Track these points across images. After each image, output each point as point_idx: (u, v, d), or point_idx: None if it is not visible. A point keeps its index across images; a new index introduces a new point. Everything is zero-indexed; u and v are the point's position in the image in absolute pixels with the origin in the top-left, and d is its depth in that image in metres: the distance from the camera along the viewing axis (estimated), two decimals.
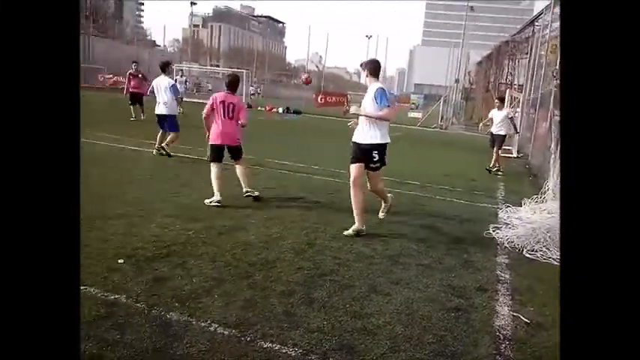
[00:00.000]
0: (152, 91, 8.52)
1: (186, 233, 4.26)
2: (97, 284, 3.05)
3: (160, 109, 8.41)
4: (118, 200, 5.18)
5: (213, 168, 5.64)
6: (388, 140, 4.74)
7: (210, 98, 5.73)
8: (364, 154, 4.67)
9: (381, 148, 4.69)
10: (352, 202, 4.72)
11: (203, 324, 2.71)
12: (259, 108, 29.24)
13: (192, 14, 67.79)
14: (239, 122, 5.71)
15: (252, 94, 36.17)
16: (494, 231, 5.17)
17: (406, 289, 3.48)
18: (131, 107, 14.03)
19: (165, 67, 8.69)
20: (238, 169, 5.87)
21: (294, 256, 3.94)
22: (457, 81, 29.51)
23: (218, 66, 66.84)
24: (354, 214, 4.71)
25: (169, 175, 6.89)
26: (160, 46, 61.15)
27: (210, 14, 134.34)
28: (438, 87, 62.54)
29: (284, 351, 2.52)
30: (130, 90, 14.13)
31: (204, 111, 5.64)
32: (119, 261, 3.46)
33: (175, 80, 20.08)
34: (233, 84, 5.91)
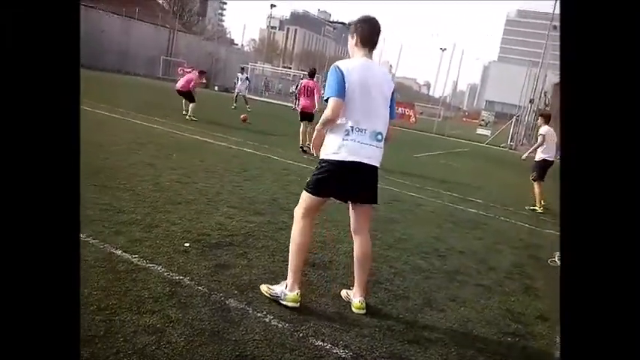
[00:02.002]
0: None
1: (249, 225, 4.40)
2: (163, 264, 3.23)
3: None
4: (189, 187, 5.44)
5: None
6: (332, 156, 2.89)
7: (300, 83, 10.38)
8: None
9: (320, 164, 2.99)
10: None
11: (259, 314, 2.79)
12: None
13: (270, 16, 69.68)
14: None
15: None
16: (559, 259, 4.93)
17: (462, 307, 3.40)
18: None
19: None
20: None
21: (350, 260, 3.95)
22: (532, 101, 28.31)
23: (290, 68, 68.23)
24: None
25: (238, 168, 7.13)
26: (237, 44, 63.34)
27: (288, 17, 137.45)
28: (511, 106, 60.27)
29: (335, 351, 2.55)
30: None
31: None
32: (185, 244, 3.64)
33: (237, 77, 20.76)
34: (312, 74, 10.46)
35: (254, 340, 2.52)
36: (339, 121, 2.88)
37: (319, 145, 3.02)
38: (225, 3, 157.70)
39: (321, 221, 4.96)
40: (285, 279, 3.01)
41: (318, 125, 2.98)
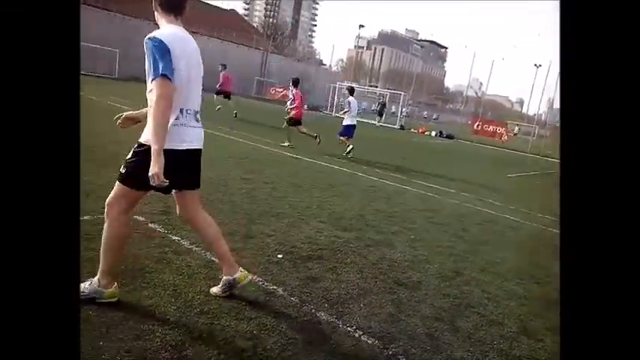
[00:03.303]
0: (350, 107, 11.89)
1: (338, 240, 4.47)
2: (258, 273, 3.39)
3: (355, 121, 11.81)
4: (281, 201, 5.66)
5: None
6: (150, 143, 2.42)
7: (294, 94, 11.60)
8: None
9: (137, 149, 2.54)
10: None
11: (349, 328, 2.83)
12: (412, 130, 29.22)
13: (359, 36, 70.67)
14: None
15: (407, 116, 36.22)
16: None
17: None
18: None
19: (353, 90, 12.41)
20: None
21: (440, 282, 3.88)
22: None
23: (376, 86, 68.48)
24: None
25: (325, 184, 7.28)
26: (325, 65, 64.95)
27: (376, 37, 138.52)
28: None
29: None
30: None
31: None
32: (279, 256, 3.79)
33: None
34: (296, 83, 11.67)
35: (344, 354, 2.55)
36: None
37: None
38: (316, 25, 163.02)
39: (409, 240, 4.91)
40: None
41: (157, 117, 2.38)
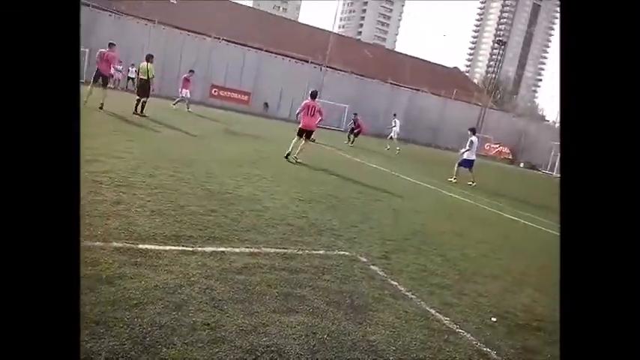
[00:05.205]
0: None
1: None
2: (472, 332, 3.39)
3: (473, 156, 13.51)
4: (494, 262, 5.49)
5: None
6: None
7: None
8: None
9: None
10: None
11: None
12: None
13: None
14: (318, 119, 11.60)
15: None
16: None
17: None
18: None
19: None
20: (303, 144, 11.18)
21: None
22: None
23: None
24: None
25: (541, 249, 6.76)
26: (548, 120, 60.18)
27: None
28: None
29: None
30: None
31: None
32: (492, 319, 3.71)
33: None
34: (314, 95, 11.55)
35: None
36: None
37: None
38: (541, 80, 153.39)
39: None
40: None
41: None
